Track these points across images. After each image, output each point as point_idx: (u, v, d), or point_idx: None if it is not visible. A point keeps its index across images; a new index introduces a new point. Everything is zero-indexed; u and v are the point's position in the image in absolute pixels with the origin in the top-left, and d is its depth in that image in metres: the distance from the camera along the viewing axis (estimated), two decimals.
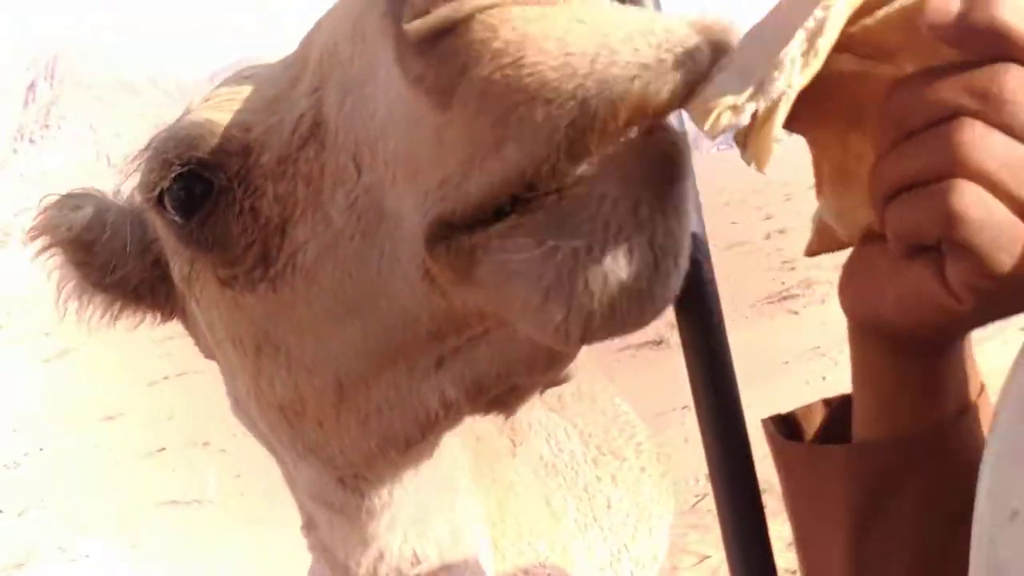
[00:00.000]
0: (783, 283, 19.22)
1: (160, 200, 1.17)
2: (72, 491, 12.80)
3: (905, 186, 0.73)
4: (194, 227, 1.14)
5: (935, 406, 0.92)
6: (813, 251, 0.97)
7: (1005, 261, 0.68)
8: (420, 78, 0.79)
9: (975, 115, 0.68)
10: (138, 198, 1.35)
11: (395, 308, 0.98)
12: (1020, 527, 0.76)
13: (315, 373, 1.12)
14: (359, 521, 1.41)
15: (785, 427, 1.09)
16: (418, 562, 1.47)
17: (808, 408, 1.10)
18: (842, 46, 0.72)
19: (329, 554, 1.56)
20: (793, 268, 21.28)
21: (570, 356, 1.03)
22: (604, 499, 2.99)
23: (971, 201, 0.68)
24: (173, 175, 1.14)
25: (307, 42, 1.10)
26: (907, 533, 0.94)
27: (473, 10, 0.74)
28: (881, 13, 0.72)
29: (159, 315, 1.50)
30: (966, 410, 0.92)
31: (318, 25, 1.08)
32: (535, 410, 2.89)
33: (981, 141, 0.68)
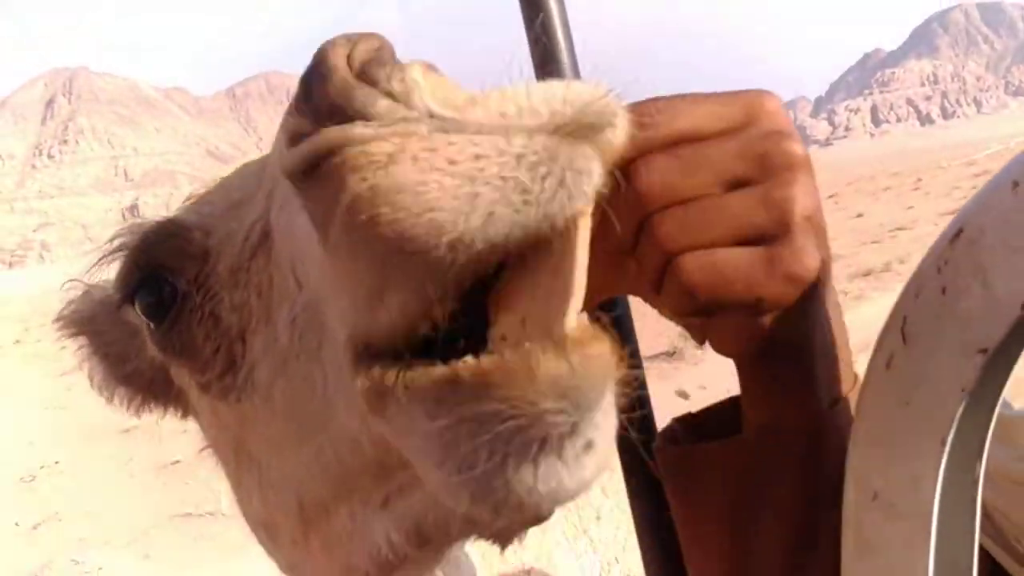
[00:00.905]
0: None
1: (127, 304, 1.15)
2: (87, 504, 12.86)
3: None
4: (164, 331, 1.10)
5: (806, 400, 0.95)
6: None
7: (756, 290, 0.82)
8: (304, 208, 0.73)
9: (651, 210, 0.85)
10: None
11: (342, 433, 0.91)
12: (881, 507, 0.83)
13: (280, 492, 1.06)
14: None
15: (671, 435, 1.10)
16: None
17: (690, 414, 1.11)
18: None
19: None
20: None
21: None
22: (593, 511, 2.97)
23: (690, 268, 0.82)
24: (136, 279, 1.12)
25: (273, 148, 0.95)
26: (785, 523, 0.96)
27: (331, 147, 0.67)
28: None
29: (177, 411, 1.43)
30: (837, 402, 0.96)
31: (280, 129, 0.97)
32: None
33: (662, 225, 0.84)
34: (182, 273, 1.08)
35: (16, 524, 12.36)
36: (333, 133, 0.67)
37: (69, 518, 12.35)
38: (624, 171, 0.82)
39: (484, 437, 0.68)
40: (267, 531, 1.16)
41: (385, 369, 0.73)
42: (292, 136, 0.70)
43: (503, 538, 0.94)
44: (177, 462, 14.23)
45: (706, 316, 0.87)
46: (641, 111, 0.85)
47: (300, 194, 0.72)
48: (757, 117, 0.87)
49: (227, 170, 1.23)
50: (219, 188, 1.16)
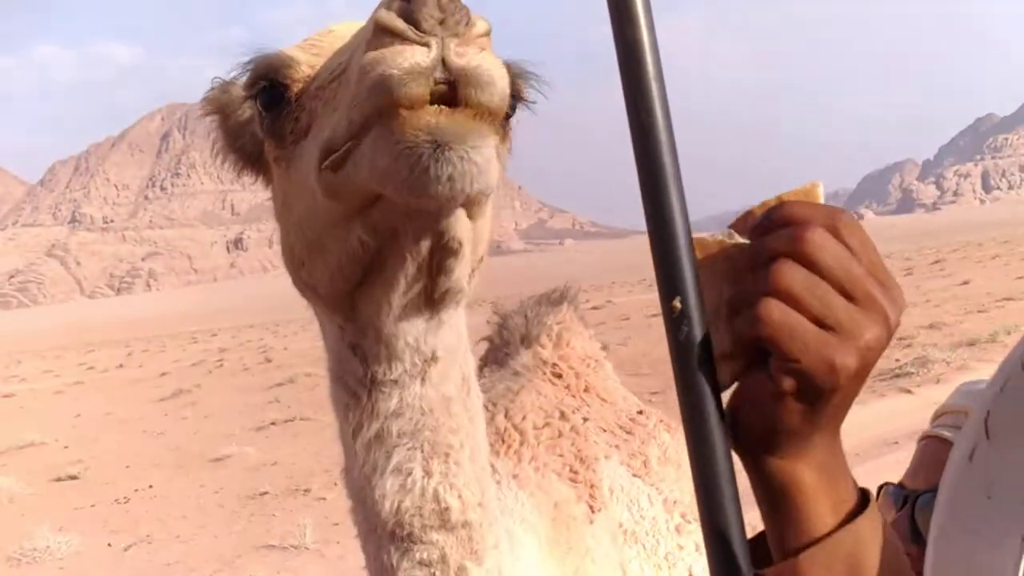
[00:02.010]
0: (897, 360, 18.71)
1: (255, 98, 1.75)
2: (176, 529, 13.12)
3: (742, 304, 1.04)
4: (270, 120, 1.72)
5: (834, 508, 1.08)
6: None
7: (802, 353, 0.99)
8: (367, 45, 1.33)
9: (787, 256, 1.01)
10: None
11: (316, 196, 1.51)
12: None
13: (298, 231, 1.67)
14: (371, 400, 1.72)
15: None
16: (440, 509, 1.72)
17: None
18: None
19: (360, 507, 1.82)
20: (909, 345, 20.73)
21: (432, 209, 1.45)
22: (685, 568, 2.93)
23: (772, 307, 0.99)
24: (261, 85, 1.72)
25: (368, 21, 1.52)
26: None
27: (392, 29, 1.28)
28: (769, 201, 1.10)
29: (264, 179, 1.97)
30: (863, 508, 1.09)
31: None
32: (618, 476, 2.88)
33: (787, 270, 1.00)
34: (290, 87, 1.68)
35: (108, 545, 12.67)
36: (393, 22, 1.28)
37: (159, 542, 12.61)
38: (794, 210, 1.05)
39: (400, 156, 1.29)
40: (293, 259, 1.72)
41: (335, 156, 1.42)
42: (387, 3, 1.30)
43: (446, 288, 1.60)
44: (265, 493, 14.43)
45: (747, 357, 1.04)
46: (836, 217, 1.05)
47: (368, 33, 1.32)
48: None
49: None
50: (327, 35, 1.76)
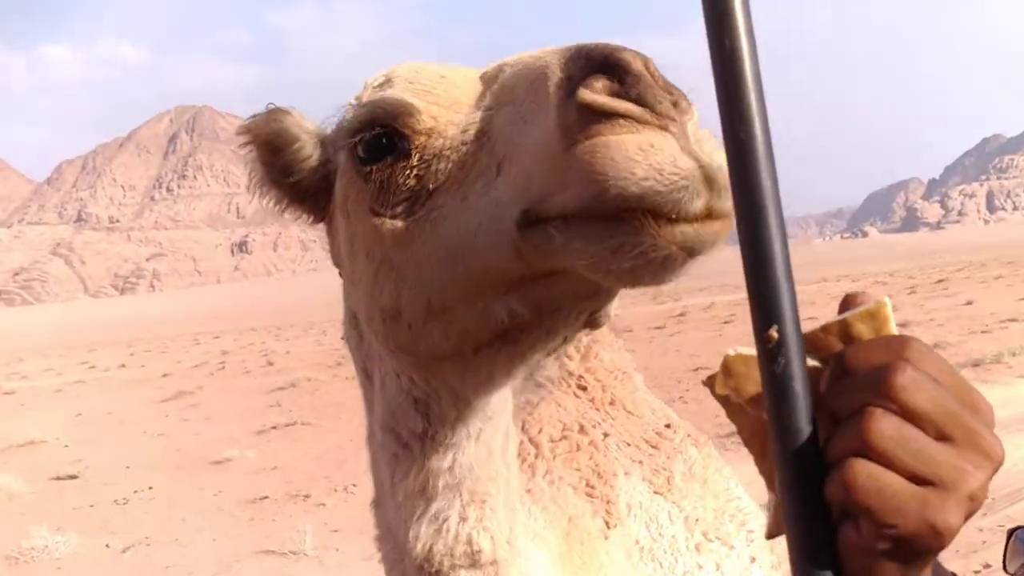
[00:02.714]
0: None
1: (355, 143, 1.64)
2: (175, 532, 13.07)
3: (829, 463, 0.94)
4: (371, 170, 1.60)
5: None
6: (771, 533, 1.07)
7: (898, 517, 0.89)
8: (566, 126, 1.24)
9: (877, 405, 0.92)
10: (332, 131, 1.84)
11: (491, 259, 1.41)
12: None
13: (412, 292, 1.56)
14: (423, 455, 1.73)
15: None
16: (471, 551, 1.76)
17: None
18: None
19: (390, 539, 1.88)
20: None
21: (609, 294, 1.48)
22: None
23: (860, 471, 0.90)
24: (374, 132, 1.60)
25: (494, 73, 1.56)
26: None
27: (625, 112, 1.19)
28: (830, 322, 1.02)
29: (312, 218, 1.93)
30: None
31: (503, 66, 1.55)
32: (637, 492, 2.83)
33: (876, 425, 0.90)
34: (408, 139, 1.57)
35: (107, 546, 12.62)
36: (622, 104, 1.20)
37: (157, 544, 12.55)
38: (889, 346, 0.97)
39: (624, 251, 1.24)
40: (385, 316, 1.63)
41: (549, 230, 1.29)
42: (580, 80, 1.24)
43: (594, 323, 1.56)
44: (265, 498, 14.39)
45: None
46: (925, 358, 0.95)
47: (572, 114, 1.23)
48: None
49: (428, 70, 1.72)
50: (440, 82, 1.63)
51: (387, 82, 1.70)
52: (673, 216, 1.19)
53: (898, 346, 0.95)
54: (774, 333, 0.92)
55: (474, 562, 1.76)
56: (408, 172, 1.56)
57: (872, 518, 0.90)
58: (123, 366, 47.44)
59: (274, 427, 20.96)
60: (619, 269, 1.24)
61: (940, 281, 56.60)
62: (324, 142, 1.85)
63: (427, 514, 1.75)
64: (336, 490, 14.57)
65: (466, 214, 1.45)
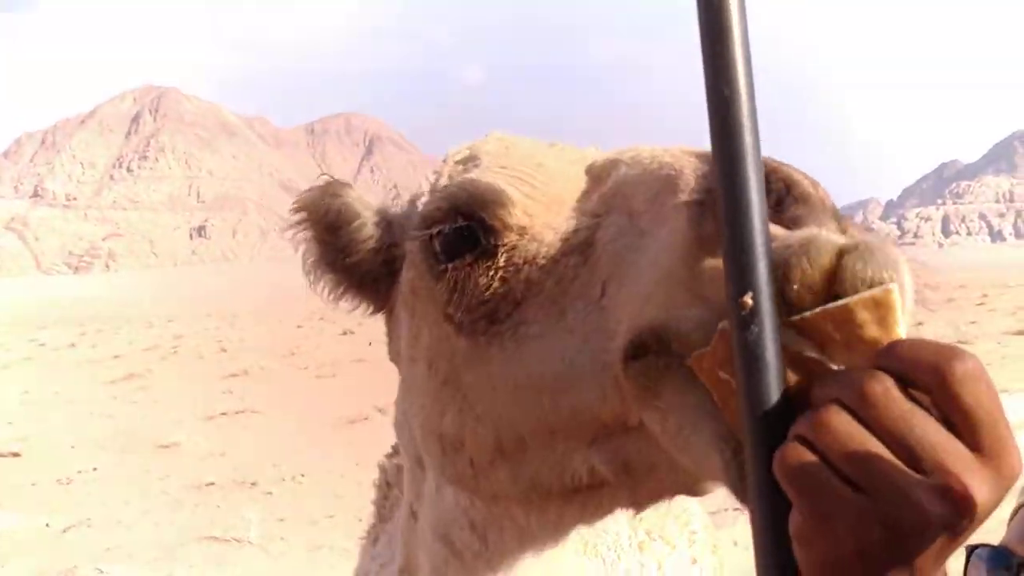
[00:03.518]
0: None
1: (431, 235, 1.37)
2: (118, 514, 12.92)
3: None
4: (447, 268, 1.35)
5: None
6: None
7: (815, 506, 0.84)
8: (703, 238, 1.02)
9: (843, 405, 0.86)
10: (401, 213, 1.61)
11: (581, 397, 1.18)
12: None
13: (480, 423, 1.33)
14: (473, 569, 1.53)
15: None
16: None
17: None
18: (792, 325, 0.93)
19: None
20: None
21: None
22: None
23: (792, 453, 0.85)
24: (456, 224, 1.35)
25: (604, 169, 1.31)
26: None
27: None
28: (830, 306, 0.93)
29: (371, 307, 1.71)
30: None
31: (616, 162, 1.30)
32: None
33: (833, 419, 0.85)
34: (497, 237, 1.32)
35: (47, 525, 12.44)
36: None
37: (99, 526, 12.39)
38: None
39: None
40: (445, 445, 1.40)
41: (663, 364, 1.04)
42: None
43: (695, 491, 1.25)
44: (211, 484, 14.27)
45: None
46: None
47: (704, 225, 1.01)
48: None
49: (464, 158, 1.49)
50: (538, 170, 1.38)
51: (472, 159, 1.47)
52: None
53: (943, 354, 0.85)
54: (748, 300, 0.89)
55: None
56: (492, 275, 1.31)
57: (795, 503, 0.86)
58: (73, 345, 46.74)
59: (224, 413, 20.79)
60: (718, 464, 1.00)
61: None
62: (390, 223, 1.64)
63: None
64: (284, 479, 14.48)
65: (561, 339, 1.21)
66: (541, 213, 1.32)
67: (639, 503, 1.30)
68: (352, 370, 30.06)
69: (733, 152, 0.89)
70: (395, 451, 3.25)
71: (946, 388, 0.83)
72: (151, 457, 16.63)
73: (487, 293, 1.30)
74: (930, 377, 0.83)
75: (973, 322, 35.78)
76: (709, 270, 1.01)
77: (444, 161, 1.55)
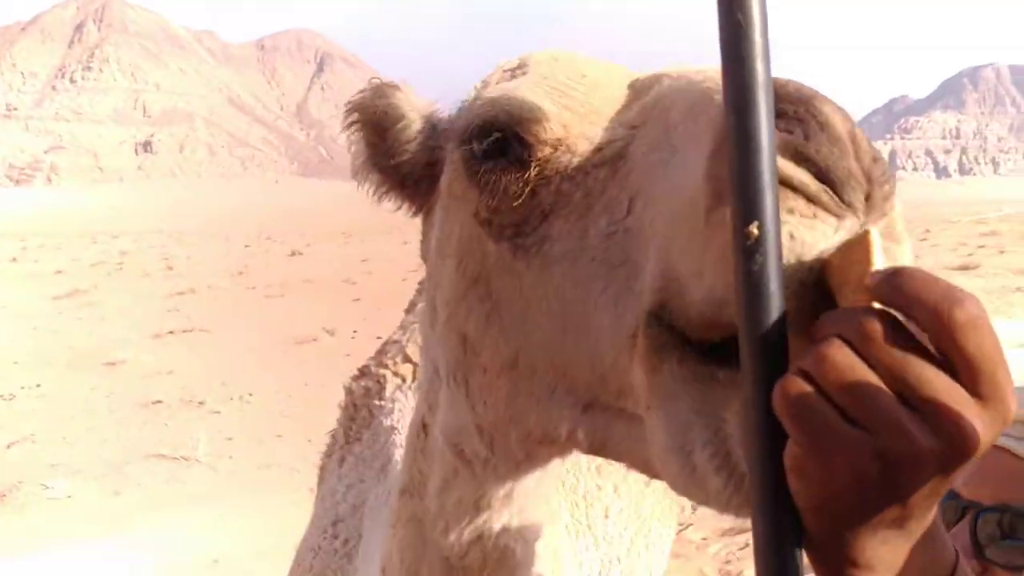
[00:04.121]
0: None
1: (473, 138, 1.37)
2: (63, 431, 12.85)
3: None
4: (484, 170, 1.34)
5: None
6: None
7: (811, 438, 0.84)
8: (718, 188, 0.93)
9: (845, 340, 0.85)
10: (446, 120, 1.62)
11: (590, 339, 1.15)
12: None
13: (503, 336, 1.33)
14: (483, 478, 1.57)
15: None
16: (504, 556, 1.64)
17: None
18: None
19: (417, 527, 1.71)
20: None
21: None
22: (602, 508, 2.97)
23: (791, 385, 0.84)
24: (491, 137, 1.34)
25: (648, 83, 1.28)
26: None
27: (800, 187, 0.89)
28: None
29: (412, 207, 1.71)
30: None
31: (661, 76, 1.26)
32: None
33: (834, 353, 0.84)
34: (531, 149, 1.30)
35: None
36: (802, 176, 0.90)
37: (43, 442, 12.33)
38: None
39: (713, 439, 0.95)
40: (465, 345, 1.42)
41: (664, 339, 1.00)
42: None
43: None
44: (159, 402, 14.22)
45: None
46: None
47: (723, 167, 0.89)
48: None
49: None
50: (580, 81, 1.36)
51: (521, 68, 1.46)
52: None
53: (946, 294, 0.83)
54: (754, 230, 0.86)
55: (501, 564, 1.67)
56: (523, 186, 1.30)
57: (793, 437, 0.86)
58: (14, 260, 45.97)
59: (171, 332, 20.66)
60: (702, 489, 0.97)
61: None
62: (435, 126, 1.65)
63: (474, 523, 1.63)
64: (232, 398, 14.48)
65: (584, 268, 1.18)
66: (577, 125, 1.31)
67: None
68: (301, 291, 29.94)
69: (743, 78, 0.86)
70: (362, 373, 3.26)
71: (947, 333, 0.83)
72: (97, 374, 16.52)
73: (517, 203, 1.30)
74: (932, 320, 0.83)
75: (917, 257, 36.40)
76: (717, 234, 0.93)
77: (495, 70, 1.55)
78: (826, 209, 0.90)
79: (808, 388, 0.84)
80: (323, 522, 2.80)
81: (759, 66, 0.86)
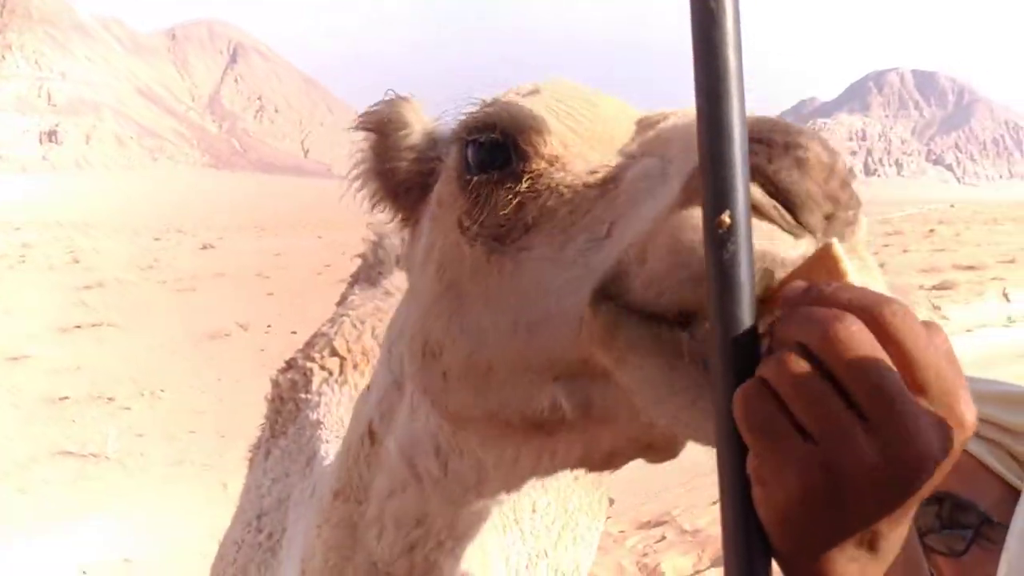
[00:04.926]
0: None
1: (465, 144, 1.40)
2: None
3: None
4: (472, 179, 1.37)
5: None
6: None
7: (765, 450, 0.86)
8: (690, 191, 0.98)
9: (804, 346, 0.86)
10: (445, 126, 1.63)
11: (553, 329, 1.18)
12: None
13: (464, 335, 1.34)
14: (432, 496, 1.58)
15: None
16: (432, 570, 1.67)
17: None
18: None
19: (348, 531, 1.73)
20: None
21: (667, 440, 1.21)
22: (529, 502, 3.01)
23: (749, 395, 0.86)
24: (491, 136, 1.36)
25: (653, 120, 1.31)
26: None
27: (759, 206, 0.92)
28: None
29: (401, 217, 1.71)
30: None
31: (668, 114, 1.31)
32: None
33: (792, 362, 0.85)
34: (527, 160, 1.33)
35: None
36: (762, 198, 0.93)
37: None
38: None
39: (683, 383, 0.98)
40: (427, 351, 1.43)
41: (614, 313, 1.04)
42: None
43: (654, 455, 1.26)
44: (65, 398, 13.87)
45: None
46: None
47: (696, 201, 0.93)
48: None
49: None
50: (590, 110, 1.39)
51: (534, 93, 1.47)
52: None
53: (874, 300, 0.87)
54: (726, 219, 0.86)
55: (428, 573, 1.69)
56: (511, 197, 1.32)
57: (751, 447, 0.88)
58: None
59: (78, 326, 20.15)
60: (671, 412, 1.01)
61: None
62: (436, 139, 1.67)
63: (410, 536, 1.65)
64: (143, 394, 14.20)
65: (553, 270, 1.22)
66: (577, 147, 1.33)
67: (592, 458, 1.32)
68: (212, 285, 29.45)
69: (715, 68, 0.86)
70: (289, 366, 3.24)
71: (884, 333, 0.85)
72: (0, 370, 16.03)
73: (503, 213, 1.32)
74: (865, 318, 0.85)
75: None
76: (668, 223, 0.99)
77: (507, 91, 1.54)
78: (778, 226, 0.93)
79: (764, 397, 0.86)
80: (247, 516, 2.78)
81: (731, 54, 0.86)
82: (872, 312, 0.85)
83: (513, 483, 1.50)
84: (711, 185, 0.87)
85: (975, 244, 42.56)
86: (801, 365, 0.85)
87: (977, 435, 1.81)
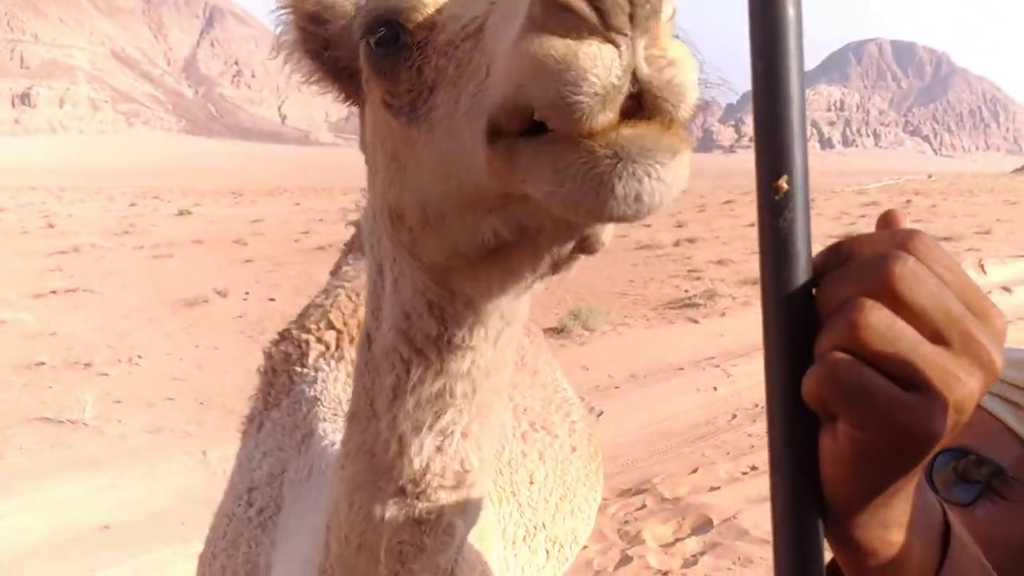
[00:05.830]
0: (687, 291, 19.63)
1: (365, 34, 1.54)
2: None
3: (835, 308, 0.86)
4: (380, 60, 1.51)
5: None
6: None
7: (873, 421, 0.83)
8: (530, 19, 1.06)
9: (869, 295, 0.84)
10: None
11: (470, 175, 1.30)
12: None
13: (413, 195, 1.50)
14: (440, 360, 1.64)
15: None
16: (462, 471, 1.70)
17: None
18: None
19: (368, 460, 1.74)
20: (698, 278, 21.77)
21: (584, 224, 1.34)
22: (526, 474, 2.99)
23: (841, 365, 0.83)
24: (379, 30, 1.50)
25: None
26: None
27: (577, 11, 0.99)
28: None
29: (346, 99, 1.84)
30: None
31: None
32: None
33: (865, 317, 0.82)
34: (412, 34, 1.47)
35: None
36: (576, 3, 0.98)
37: None
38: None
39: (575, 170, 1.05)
40: (392, 217, 1.57)
41: (510, 142, 1.14)
42: None
43: (588, 248, 1.40)
44: (41, 364, 13.73)
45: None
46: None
47: (533, 5, 1.04)
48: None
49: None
50: None
51: None
52: (590, 134, 1.04)
53: (902, 237, 0.87)
54: (784, 184, 0.82)
55: (458, 483, 1.71)
56: (411, 67, 1.47)
57: (846, 418, 0.84)
58: None
59: (54, 292, 19.96)
60: (561, 196, 1.09)
61: (728, 202, 59.23)
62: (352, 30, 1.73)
63: (436, 427, 1.67)
64: (120, 360, 14.09)
65: (456, 122, 1.33)
66: (450, 7, 1.46)
67: (550, 263, 1.44)
68: (190, 251, 29.24)
69: (773, 25, 0.83)
70: (282, 337, 3.20)
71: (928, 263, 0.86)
72: None
73: (408, 82, 1.47)
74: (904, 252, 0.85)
75: None
76: (507, 55, 1.11)
77: None
78: (593, 31, 1.00)
79: (856, 367, 0.83)
80: (239, 489, 2.75)
81: (790, 11, 0.83)
82: (907, 245, 0.85)
83: (503, 303, 1.60)
84: (768, 147, 0.84)
85: (951, 215, 42.89)
86: (884, 316, 0.83)
87: (1001, 396, 1.85)
